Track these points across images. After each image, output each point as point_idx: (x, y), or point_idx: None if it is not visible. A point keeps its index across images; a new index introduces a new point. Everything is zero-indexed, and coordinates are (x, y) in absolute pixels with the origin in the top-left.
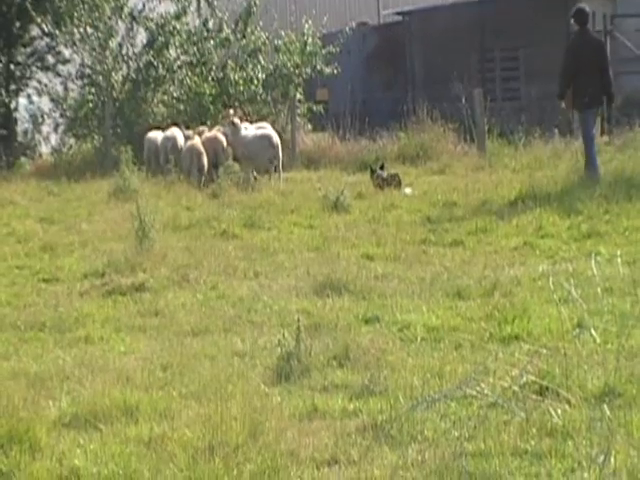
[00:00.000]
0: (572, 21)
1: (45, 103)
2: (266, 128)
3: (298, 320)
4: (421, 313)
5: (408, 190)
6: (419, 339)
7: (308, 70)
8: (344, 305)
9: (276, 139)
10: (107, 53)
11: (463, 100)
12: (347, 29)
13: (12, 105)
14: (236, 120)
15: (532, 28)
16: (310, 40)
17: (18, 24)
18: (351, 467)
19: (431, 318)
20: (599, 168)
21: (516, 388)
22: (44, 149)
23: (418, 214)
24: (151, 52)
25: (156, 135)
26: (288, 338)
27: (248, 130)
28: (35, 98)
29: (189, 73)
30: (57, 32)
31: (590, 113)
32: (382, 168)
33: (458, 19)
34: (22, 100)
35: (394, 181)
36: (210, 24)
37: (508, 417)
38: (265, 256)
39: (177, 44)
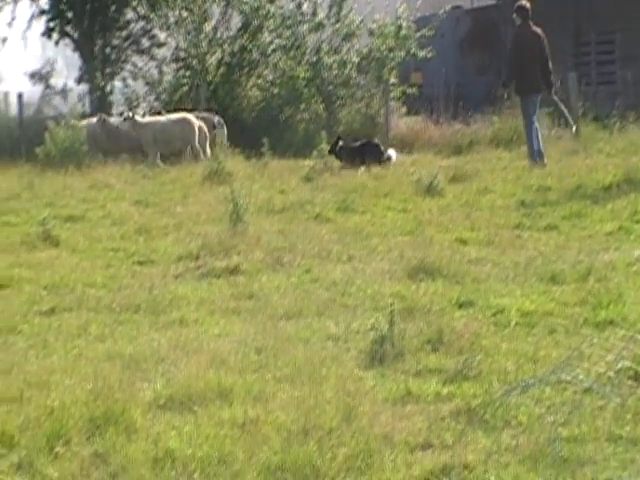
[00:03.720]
0: (514, 16)
1: (140, 86)
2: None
3: (392, 304)
4: (515, 298)
5: (392, 152)
6: (513, 324)
7: (402, 54)
8: (438, 289)
9: (191, 121)
10: (202, 37)
11: (557, 84)
12: (441, 12)
13: (108, 88)
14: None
15: (629, 12)
16: (404, 23)
17: (113, 8)
18: (445, 451)
19: (525, 303)
20: (543, 155)
21: (611, 374)
22: None
23: (512, 198)
24: (245, 36)
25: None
26: (382, 322)
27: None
28: (130, 81)
29: (283, 57)
30: (152, 15)
31: (531, 99)
32: (339, 139)
33: (553, 3)
34: (117, 83)
35: (373, 149)
36: (304, 8)
37: (603, 403)
38: (359, 240)
39: (271, 28)
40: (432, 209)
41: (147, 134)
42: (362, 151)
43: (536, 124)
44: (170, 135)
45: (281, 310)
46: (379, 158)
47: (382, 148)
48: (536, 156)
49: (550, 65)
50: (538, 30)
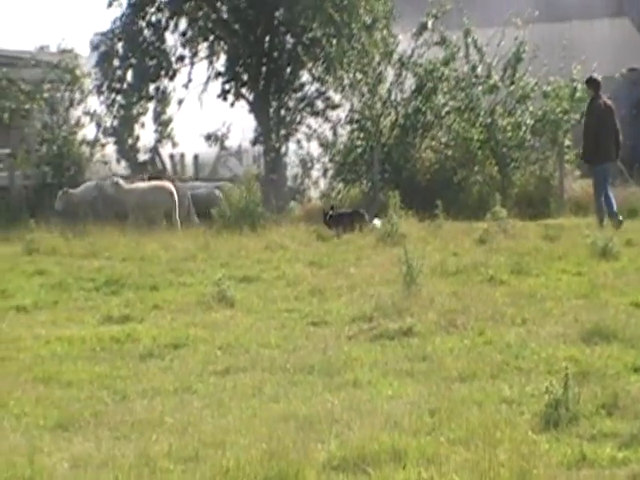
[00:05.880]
0: (586, 87)
1: (314, 148)
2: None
3: (566, 367)
4: None
5: (377, 222)
6: None
7: (577, 116)
8: (613, 353)
9: (170, 190)
10: (376, 98)
11: None
12: (617, 75)
13: (282, 150)
14: (118, 179)
15: None
16: (579, 86)
17: (289, 70)
18: None
19: None
20: (604, 214)
21: None
22: (313, 193)
23: None
24: (419, 98)
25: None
26: (556, 385)
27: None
28: (304, 143)
29: (457, 119)
30: (327, 77)
31: (605, 167)
32: (332, 209)
33: None
34: (292, 145)
35: (357, 217)
36: (479, 70)
37: None
38: (532, 302)
39: (445, 90)
40: (607, 272)
41: (130, 199)
42: (348, 219)
43: (609, 190)
44: (149, 202)
45: (454, 372)
46: (364, 225)
47: (367, 217)
48: (613, 216)
49: (621, 136)
50: (609, 102)
